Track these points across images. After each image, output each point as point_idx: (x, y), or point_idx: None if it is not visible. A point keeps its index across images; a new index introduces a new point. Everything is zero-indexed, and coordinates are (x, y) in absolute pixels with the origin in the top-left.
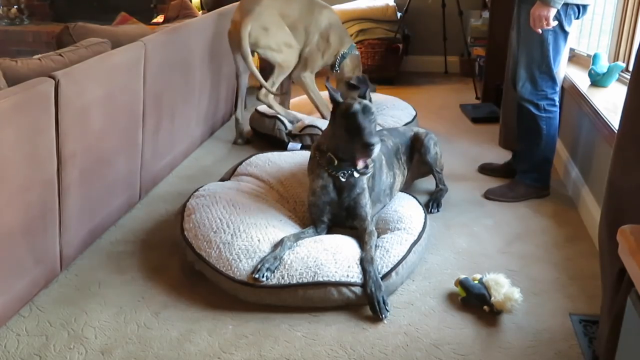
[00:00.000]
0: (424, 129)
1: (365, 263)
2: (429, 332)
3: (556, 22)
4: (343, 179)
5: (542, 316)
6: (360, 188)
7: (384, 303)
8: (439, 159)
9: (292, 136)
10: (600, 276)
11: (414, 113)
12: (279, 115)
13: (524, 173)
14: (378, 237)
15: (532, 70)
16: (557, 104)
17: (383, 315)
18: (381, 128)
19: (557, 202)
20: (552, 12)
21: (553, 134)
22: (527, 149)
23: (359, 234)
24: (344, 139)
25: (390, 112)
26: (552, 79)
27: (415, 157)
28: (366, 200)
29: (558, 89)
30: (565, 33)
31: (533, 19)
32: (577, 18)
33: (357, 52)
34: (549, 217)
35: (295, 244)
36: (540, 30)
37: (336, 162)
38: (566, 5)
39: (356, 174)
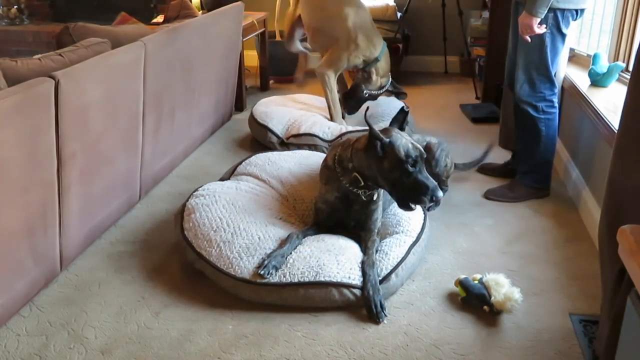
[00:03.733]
0: (436, 139)
1: (366, 266)
2: (429, 332)
3: (543, 30)
4: (365, 198)
5: (542, 316)
6: (375, 205)
7: (381, 307)
8: (448, 170)
9: (286, 145)
10: (600, 276)
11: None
12: (268, 126)
13: (524, 174)
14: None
15: (530, 73)
16: (556, 105)
17: (380, 320)
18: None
19: (558, 202)
20: (536, 21)
21: (552, 135)
22: (526, 151)
23: (363, 240)
24: (392, 183)
25: (382, 108)
26: (550, 81)
27: (426, 168)
28: (378, 215)
29: (557, 90)
30: (563, 35)
31: (521, 27)
32: (574, 20)
33: (386, 51)
34: (549, 217)
35: (301, 241)
36: (528, 38)
37: (362, 183)
38: (562, 9)
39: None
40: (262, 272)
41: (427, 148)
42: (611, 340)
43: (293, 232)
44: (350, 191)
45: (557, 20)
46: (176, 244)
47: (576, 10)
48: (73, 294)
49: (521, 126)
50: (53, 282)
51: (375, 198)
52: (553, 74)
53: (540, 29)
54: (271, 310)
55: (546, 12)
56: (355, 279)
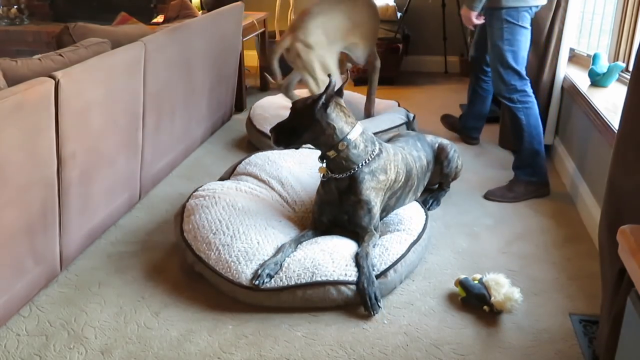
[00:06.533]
0: (447, 140)
1: (359, 258)
2: (429, 332)
3: (482, 20)
4: (324, 179)
5: (542, 316)
6: (360, 195)
7: (376, 299)
8: (458, 172)
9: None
10: (600, 276)
11: (410, 116)
12: (267, 133)
13: (518, 169)
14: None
15: (497, 67)
16: (531, 94)
17: (374, 312)
18: (412, 135)
19: (557, 202)
20: (473, 14)
21: (534, 124)
22: (516, 143)
23: (360, 237)
24: None
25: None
26: (517, 73)
27: (436, 168)
28: (365, 212)
29: (527, 81)
30: (524, 29)
31: (462, 19)
32: (532, 15)
33: None
34: (549, 217)
35: (295, 248)
36: (472, 27)
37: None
38: (515, 7)
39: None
40: (256, 283)
41: (441, 148)
42: (611, 340)
43: (285, 243)
44: (330, 176)
45: (511, 16)
46: (176, 244)
47: (530, 7)
48: (73, 294)
49: (505, 119)
50: (53, 282)
51: (358, 184)
52: (517, 66)
53: (479, 20)
54: (271, 310)
55: (500, 9)
56: (352, 275)
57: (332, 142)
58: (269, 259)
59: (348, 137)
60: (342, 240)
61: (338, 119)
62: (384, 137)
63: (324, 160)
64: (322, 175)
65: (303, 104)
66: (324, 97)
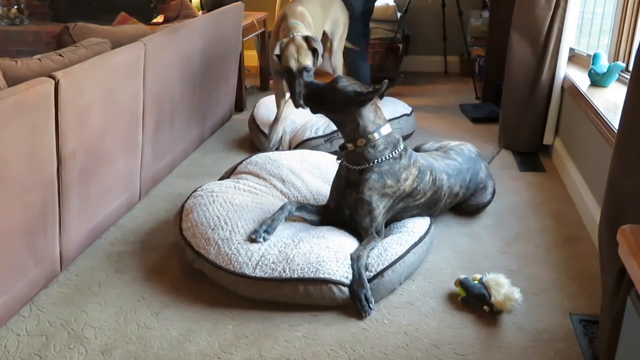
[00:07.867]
0: (492, 182)
1: (352, 261)
2: (429, 332)
3: None
4: (337, 161)
5: (542, 316)
6: (361, 193)
7: (367, 301)
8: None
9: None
10: (600, 276)
11: (409, 109)
12: (266, 132)
13: None
14: None
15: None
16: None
17: (365, 314)
18: (470, 160)
19: (557, 202)
20: None
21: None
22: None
23: (362, 237)
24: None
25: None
26: None
27: (469, 199)
28: (365, 212)
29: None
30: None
31: None
32: None
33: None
34: (549, 216)
35: (295, 210)
36: None
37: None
38: None
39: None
40: (254, 237)
41: (482, 188)
42: (611, 340)
43: (286, 202)
44: (344, 164)
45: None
46: (176, 244)
47: None
48: (73, 294)
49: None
50: (53, 282)
51: (364, 180)
52: None
53: None
54: (271, 310)
55: None
56: None
57: (352, 136)
58: (267, 218)
59: (369, 135)
60: (349, 239)
61: (367, 117)
62: (443, 142)
63: (342, 151)
64: (337, 158)
65: (347, 87)
66: (368, 95)
